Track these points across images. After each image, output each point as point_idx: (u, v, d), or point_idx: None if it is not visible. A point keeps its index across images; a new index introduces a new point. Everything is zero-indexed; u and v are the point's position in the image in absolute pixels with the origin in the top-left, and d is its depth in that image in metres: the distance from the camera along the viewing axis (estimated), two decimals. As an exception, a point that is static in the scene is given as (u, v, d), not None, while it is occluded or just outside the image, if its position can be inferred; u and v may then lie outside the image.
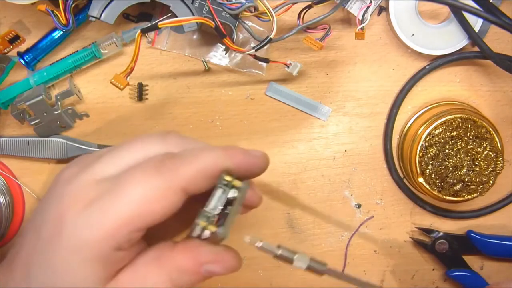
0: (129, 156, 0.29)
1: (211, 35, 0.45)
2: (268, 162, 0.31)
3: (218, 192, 0.28)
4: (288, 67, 0.44)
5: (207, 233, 0.28)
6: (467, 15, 0.44)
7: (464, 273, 0.49)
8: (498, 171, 0.45)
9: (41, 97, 0.42)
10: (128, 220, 0.26)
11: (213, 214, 0.28)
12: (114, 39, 0.43)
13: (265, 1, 0.39)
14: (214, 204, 0.28)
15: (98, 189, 0.27)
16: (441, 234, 0.48)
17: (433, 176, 0.44)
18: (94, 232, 0.26)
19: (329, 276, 0.30)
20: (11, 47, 0.42)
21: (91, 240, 0.26)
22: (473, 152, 0.44)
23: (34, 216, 0.30)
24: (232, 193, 0.29)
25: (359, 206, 0.49)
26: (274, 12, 0.39)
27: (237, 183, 0.29)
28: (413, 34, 0.45)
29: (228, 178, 0.28)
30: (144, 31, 0.38)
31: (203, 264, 0.28)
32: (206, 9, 0.40)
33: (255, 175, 0.31)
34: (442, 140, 0.44)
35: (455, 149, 0.44)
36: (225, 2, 0.39)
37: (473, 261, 0.50)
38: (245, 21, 0.41)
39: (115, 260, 0.27)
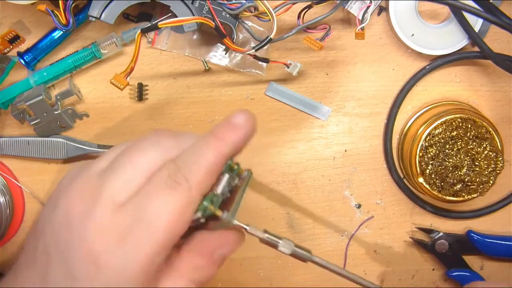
0: (135, 173, 0.28)
1: (211, 35, 0.45)
2: (254, 120, 0.30)
3: (225, 178, 0.29)
4: (288, 67, 0.44)
5: (205, 215, 0.28)
6: (467, 15, 0.44)
7: (464, 273, 0.49)
8: (498, 171, 0.45)
9: (41, 97, 0.42)
10: (164, 244, 0.27)
11: (221, 198, 0.29)
12: (114, 39, 0.43)
13: (265, 1, 0.38)
14: (222, 189, 0.29)
15: (124, 220, 0.27)
16: (441, 234, 0.48)
17: (433, 176, 0.44)
18: (134, 265, 0.26)
19: (313, 264, 0.31)
20: (11, 47, 0.42)
21: (133, 272, 0.26)
22: (473, 152, 0.44)
23: (54, 246, 0.28)
24: (236, 180, 0.30)
25: (359, 206, 0.49)
26: (274, 12, 0.39)
27: (241, 171, 0.30)
28: (413, 34, 0.45)
29: (233, 165, 0.30)
30: (144, 31, 0.38)
31: (213, 252, 0.29)
32: (206, 9, 0.40)
33: (251, 138, 0.31)
34: (442, 140, 0.44)
35: (455, 149, 0.44)
36: (225, 2, 0.39)
37: (473, 261, 0.50)
38: (245, 21, 0.41)
39: (155, 274, 0.28)
